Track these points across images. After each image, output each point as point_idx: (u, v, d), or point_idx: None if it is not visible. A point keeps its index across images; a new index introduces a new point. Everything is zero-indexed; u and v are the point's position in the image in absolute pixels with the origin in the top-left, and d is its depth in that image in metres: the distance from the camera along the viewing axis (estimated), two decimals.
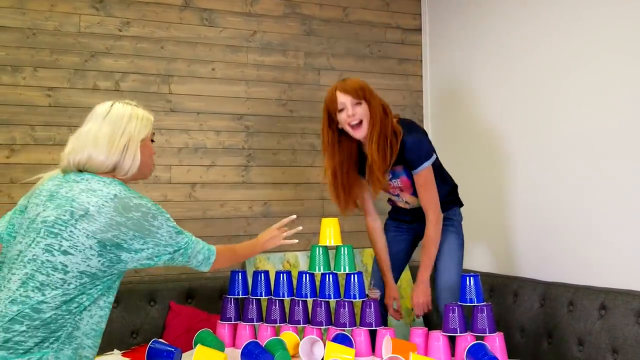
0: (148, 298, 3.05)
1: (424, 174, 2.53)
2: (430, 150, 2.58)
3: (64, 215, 1.76)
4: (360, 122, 2.46)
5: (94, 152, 1.83)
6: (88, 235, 1.74)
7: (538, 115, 3.03)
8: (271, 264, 3.37)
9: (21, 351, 1.66)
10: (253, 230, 3.44)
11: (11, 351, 1.65)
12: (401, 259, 2.86)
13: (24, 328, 1.67)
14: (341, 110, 2.47)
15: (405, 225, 2.83)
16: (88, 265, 1.74)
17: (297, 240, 2.41)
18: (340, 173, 2.58)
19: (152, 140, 1.98)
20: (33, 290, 1.70)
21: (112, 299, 1.85)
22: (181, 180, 3.30)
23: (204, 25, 3.39)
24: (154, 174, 3.23)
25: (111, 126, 1.86)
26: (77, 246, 1.73)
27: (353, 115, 2.45)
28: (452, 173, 2.81)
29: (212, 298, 3.18)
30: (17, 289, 1.71)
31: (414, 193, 2.64)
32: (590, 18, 2.76)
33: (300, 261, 3.44)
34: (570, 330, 2.62)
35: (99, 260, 1.76)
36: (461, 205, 2.80)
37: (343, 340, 2.34)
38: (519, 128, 3.15)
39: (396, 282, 2.87)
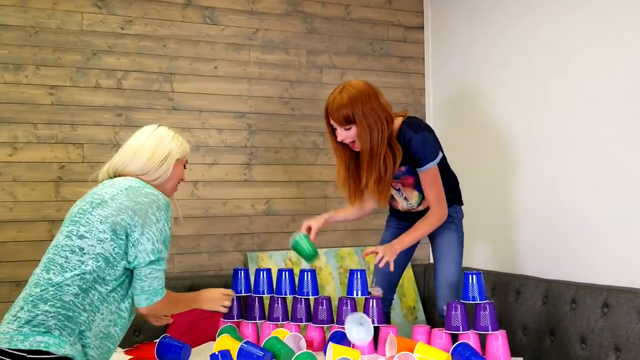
0: None
1: (430, 172, 2.53)
2: (436, 148, 2.56)
3: (85, 206, 1.99)
4: (354, 141, 2.51)
5: (134, 159, 2.09)
6: (102, 220, 1.94)
7: (541, 113, 3.03)
8: (273, 262, 3.37)
9: (43, 330, 1.81)
10: (255, 229, 3.44)
11: (34, 329, 1.81)
12: (403, 257, 2.81)
13: (46, 307, 1.83)
14: (335, 130, 2.52)
15: (407, 223, 2.82)
16: (103, 248, 1.92)
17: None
18: (346, 172, 2.62)
19: (184, 167, 2.23)
20: (55, 273, 1.89)
21: (123, 306, 1.97)
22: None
23: (206, 24, 3.39)
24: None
25: (156, 141, 2.12)
26: (92, 230, 1.93)
27: (344, 139, 2.50)
28: (455, 171, 2.80)
29: None
30: (40, 272, 1.92)
31: (416, 187, 2.64)
32: (597, 15, 2.76)
33: (301, 259, 3.44)
34: (572, 328, 2.62)
35: (112, 245, 1.92)
36: (462, 203, 2.79)
37: (343, 338, 2.34)
38: (522, 126, 3.15)
39: (397, 283, 2.86)
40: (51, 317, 1.82)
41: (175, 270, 3.27)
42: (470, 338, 2.27)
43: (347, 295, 2.48)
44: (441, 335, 2.31)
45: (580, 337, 2.59)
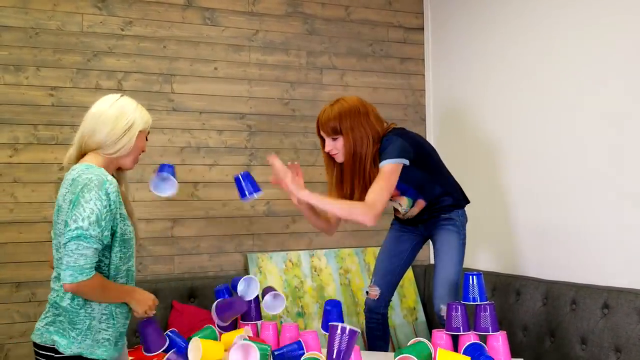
0: None
1: (384, 169, 2.48)
2: (403, 151, 2.50)
3: (54, 216, 2.06)
4: (338, 152, 2.58)
5: (96, 131, 2.04)
6: (65, 224, 1.95)
7: (541, 114, 3.03)
8: (274, 263, 3.38)
9: (54, 329, 1.99)
10: (256, 230, 3.44)
11: (56, 329, 2.00)
12: (404, 259, 2.83)
13: (57, 312, 2.01)
14: (323, 140, 2.61)
15: (409, 227, 2.83)
16: None
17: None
18: (333, 183, 2.69)
19: (146, 139, 2.17)
20: (53, 281, 2.09)
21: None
22: (184, 180, 3.31)
23: (206, 25, 3.39)
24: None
25: (119, 111, 2.07)
26: (59, 236, 2.01)
27: (330, 150, 2.58)
28: (453, 172, 2.79)
29: (214, 299, 3.17)
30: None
31: (403, 194, 2.66)
32: (592, 24, 2.76)
33: (302, 260, 3.44)
34: (573, 329, 2.62)
35: None
36: (464, 204, 2.77)
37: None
38: (522, 128, 3.15)
39: (397, 284, 2.86)
40: (59, 321, 2.00)
41: (176, 271, 3.27)
42: (470, 339, 2.27)
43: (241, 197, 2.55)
44: (442, 336, 2.31)
45: (580, 338, 2.59)
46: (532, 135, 3.08)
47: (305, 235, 3.56)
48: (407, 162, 2.51)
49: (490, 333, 2.27)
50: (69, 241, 1.90)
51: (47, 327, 2.02)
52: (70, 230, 1.90)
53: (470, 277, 2.34)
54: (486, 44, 3.41)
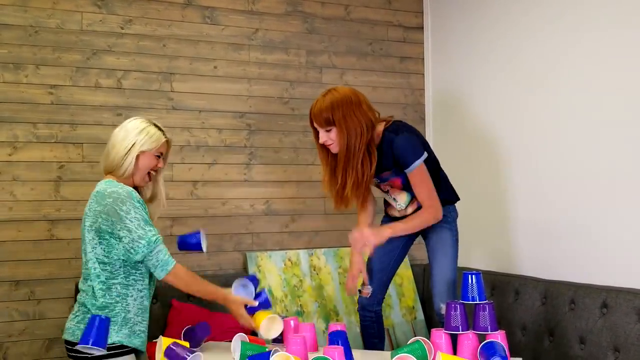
0: None
1: (417, 172, 2.53)
2: (421, 147, 2.56)
3: (81, 223, 2.34)
4: (332, 143, 2.57)
5: (108, 154, 2.33)
6: (88, 229, 2.26)
7: (540, 113, 3.03)
8: (273, 262, 3.38)
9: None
10: (255, 229, 3.45)
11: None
12: (395, 256, 2.80)
13: (93, 311, 2.25)
14: (317, 132, 2.60)
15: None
16: (95, 253, 2.25)
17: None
18: (328, 175, 2.66)
19: (158, 156, 2.37)
20: (82, 282, 2.34)
21: (142, 283, 2.31)
22: (183, 178, 3.31)
23: (206, 23, 3.39)
24: None
25: (124, 134, 2.32)
26: (85, 241, 2.28)
27: (325, 141, 2.56)
28: (453, 171, 2.80)
29: None
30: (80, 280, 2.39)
31: (404, 189, 2.65)
32: (593, 21, 2.76)
33: (301, 259, 3.44)
34: (571, 328, 2.62)
35: (101, 248, 2.24)
36: (455, 200, 2.77)
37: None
38: (520, 126, 3.15)
39: (389, 282, 2.83)
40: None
41: None
42: (469, 338, 2.27)
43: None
44: (441, 335, 2.31)
45: (579, 337, 2.59)
46: (531, 134, 3.08)
47: (305, 234, 3.56)
48: (426, 154, 2.57)
49: (489, 332, 2.27)
50: (142, 256, 2.22)
51: (78, 324, 2.23)
52: (138, 246, 2.20)
53: (470, 276, 2.34)
54: (486, 43, 3.41)
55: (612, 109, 2.67)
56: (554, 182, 2.95)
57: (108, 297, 2.24)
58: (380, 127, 2.58)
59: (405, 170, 2.55)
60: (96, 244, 2.24)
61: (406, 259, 3.58)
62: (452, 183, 2.78)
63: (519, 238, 3.16)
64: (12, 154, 3.00)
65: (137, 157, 2.30)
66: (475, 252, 3.40)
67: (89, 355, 2.18)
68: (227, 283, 3.21)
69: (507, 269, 3.20)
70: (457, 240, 2.70)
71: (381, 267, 2.79)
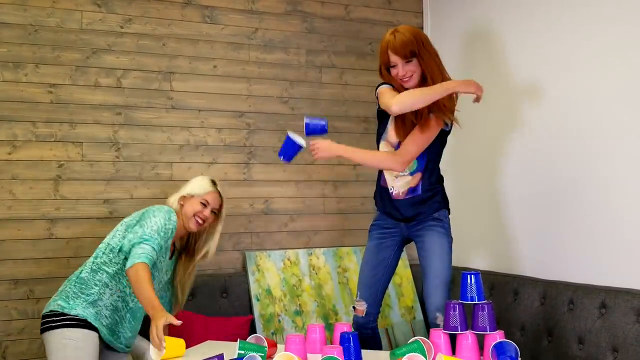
0: None
1: (431, 126, 2.57)
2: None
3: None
4: (412, 75, 2.58)
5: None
6: (122, 223, 2.59)
7: (539, 113, 3.04)
8: (272, 262, 3.38)
9: (63, 296, 2.51)
10: (254, 228, 3.45)
11: (56, 296, 2.51)
12: (387, 266, 2.74)
13: (70, 284, 2.51)
14: (393, 67, 2.58)
15: (391, 226, 2.72)
16: (112, 239, 2.53)
17: None
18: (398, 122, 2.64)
19: (203, 204, 2.62)
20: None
21: (125, 287, 2.48)
22: (182, 178, 3.30)
23: (206, 23, 3.39)
24: (155, 171, 3.24)
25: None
26: (112, 233, 2.58)
27: (404, 74, 2.56)
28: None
29: (213, 297, 3.18)
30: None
31: (418, 158, 2.61)
32: (592, 24, 2.76)
33: (300, 259, 3.44)
34: (570, 328, 2.63)
35: (119, 238, 2.51)
36: (447, 208, 2.71)
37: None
38: (520, 126, 3.15)
39: (383, 295, 2.76)
40: (69, 288, 2.46)
41: None
42: (468, 338, 2.27)
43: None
44: (439, 335, 2.31)
45: (577, 337, 2.59)
46: (530, 135, 3.08)
47: (304, 233, 3.57)
48: (447, 128, 2.59)
49: (488, 332, 2.27)
50: (130, 244, 2.39)
51: (55, 299, 2.50)
52: (136, 237, 2.40)
53: (469, 276, 2.34)
54: (485, 43, 3.41)
55: (611, 109, 2.67)
56: (553, 183, 2.95)
57: (91, 276, 2.46)
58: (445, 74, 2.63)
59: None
60: (119, 233, 2.52)
61: (405, 259, 3.59)
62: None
63: (518, 238, 3.16)
64: (11, 152, 2.99)
65: (183, 199, 2.62)
66: (474, 252, 3.40)
67: (55, 324, 2.37)
68: (226, 283, 3.22)
69: (506, 269, 3.20)
70: (451, 247, 2.65)
71: (375, 280, 2.71)
